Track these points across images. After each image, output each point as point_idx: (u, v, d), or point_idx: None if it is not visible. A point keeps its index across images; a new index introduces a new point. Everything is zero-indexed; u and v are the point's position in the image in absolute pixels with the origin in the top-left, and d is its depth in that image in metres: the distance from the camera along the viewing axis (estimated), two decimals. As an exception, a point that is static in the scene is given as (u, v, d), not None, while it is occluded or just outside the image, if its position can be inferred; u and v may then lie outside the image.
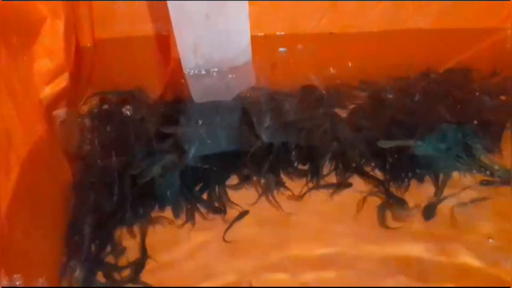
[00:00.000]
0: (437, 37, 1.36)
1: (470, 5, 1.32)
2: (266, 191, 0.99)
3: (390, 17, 1.34)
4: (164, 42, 1.23)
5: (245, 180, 1.01)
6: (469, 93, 1.20)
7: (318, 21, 1.34)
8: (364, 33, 1.36)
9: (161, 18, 1.13)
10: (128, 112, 1.12)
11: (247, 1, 1.05)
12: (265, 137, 1.05)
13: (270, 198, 0.98)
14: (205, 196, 0.99)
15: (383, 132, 1.08)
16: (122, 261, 0.89)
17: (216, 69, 1.19)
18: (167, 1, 0.98)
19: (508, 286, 0.86)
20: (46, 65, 1.02)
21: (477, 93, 1.19)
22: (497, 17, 1.38)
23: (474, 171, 1.03)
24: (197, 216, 0.96)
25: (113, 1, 1.22)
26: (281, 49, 1.32)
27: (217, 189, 0.99)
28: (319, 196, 0.99)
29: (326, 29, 1.35)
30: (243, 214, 0.96)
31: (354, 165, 1.02)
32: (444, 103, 1.16)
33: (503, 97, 1.18)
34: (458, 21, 1.36)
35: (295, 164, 1.04)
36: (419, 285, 0.86)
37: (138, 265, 0.88)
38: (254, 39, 1.21)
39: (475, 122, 1.11)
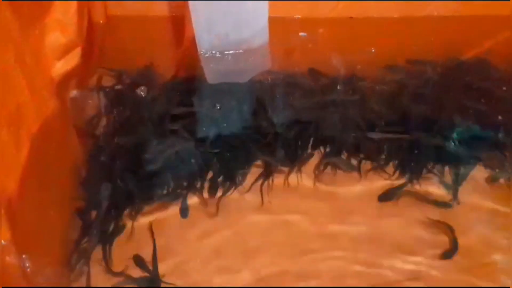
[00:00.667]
0: (459, 24, 1.32)
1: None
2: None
3: (411, 3, 1.29)
4: (179, 22, 1.20)
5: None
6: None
7: (336, 5, 1.29)
8: (384, 18, 1.32)
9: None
10: (142, 93, 1.09)
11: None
12: (278, 123, 1.03)
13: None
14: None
15: (399, 121, 1.05)
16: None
17: (231, 51, 1.16)
18: (184, -23, 0.95)
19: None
20: (58, 39, 0.99)
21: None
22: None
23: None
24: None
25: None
26: (301, 33, 1.28)
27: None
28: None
29: (345, 13, 1.31)
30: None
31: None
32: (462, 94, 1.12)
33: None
34: (479, 8, 1.31)
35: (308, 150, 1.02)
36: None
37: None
38: (271, 20, 1.18)
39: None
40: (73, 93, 1.08)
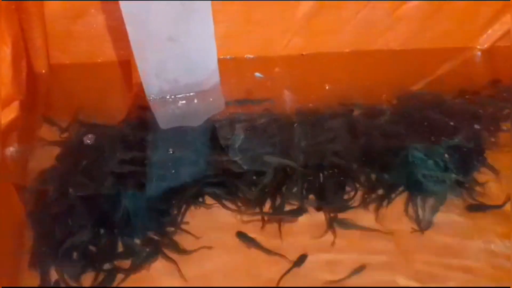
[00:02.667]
0: (408, 57, 1.35)
1: (440, 25, 1.32)
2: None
3: (361, 38, 1.32)
4: (126, 67, 1.16)
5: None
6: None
7: (288, 43, 1.30)
8: (336, 53, 1.33)
9: (122, 42, 1.06)
10: (89, 141, 1.04)
11: (211, 22, 0.99)
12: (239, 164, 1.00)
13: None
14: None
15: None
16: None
17: (182, 94, 1.13)
18: (126, 24, 0.92)
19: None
20: (-7, 94, 0.93)
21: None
22: (466, 36, 1.38)
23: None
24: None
25: (71, 25, 1.14)
26: (257, 74, 1.27)
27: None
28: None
29: (296, 51, 1.32)
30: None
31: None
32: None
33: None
34: (428, 41, 1.35)
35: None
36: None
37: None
38: (225, 62, 1.17)
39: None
40: (14, 148, 1.01)
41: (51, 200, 0.93)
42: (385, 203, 0.97)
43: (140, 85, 1.10)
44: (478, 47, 1.41)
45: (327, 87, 1.26)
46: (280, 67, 1.30)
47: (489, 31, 1.38)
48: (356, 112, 1.17)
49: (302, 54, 1.33)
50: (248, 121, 1.11)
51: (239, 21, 1.21)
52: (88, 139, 1.02)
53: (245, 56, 1.31)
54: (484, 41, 1.40)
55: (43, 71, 1.16)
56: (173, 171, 1.00)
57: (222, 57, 1.24)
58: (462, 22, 1.33)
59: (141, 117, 1.11)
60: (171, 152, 1.03)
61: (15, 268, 0.84)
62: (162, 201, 0.95)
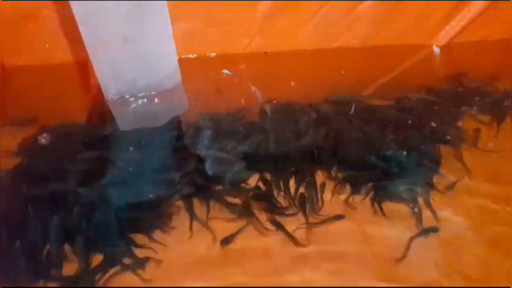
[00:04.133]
0: (368, 55, 1.38)
1: (397, 22, 1.34)
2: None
3: (322, 36, 1.33)
4: (82, 67, 1.14)
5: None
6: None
7: (250, 41, 1.30)
8: (298, 51, 1.35)
9: (78, 42, 1.04)
10: (43, 141, 1.01)
11: (169, 22, 0.98)
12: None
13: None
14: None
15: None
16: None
17: (142, 94, 1.11)
18: (79, 25, 0.90)
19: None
20: None
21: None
22: (424, 34, 1.42)
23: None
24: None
25: (23, 26, 1.11)
26: (224, 71, 1.27)
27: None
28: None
29: (259, 49, 1.32)
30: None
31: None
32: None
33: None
34: (387, 39, 1.38)
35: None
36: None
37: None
38: (185, 61, 1.17)
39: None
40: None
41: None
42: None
43: (98, 85, 1.08)
44: (436, 44, 1.45)
45: (292, 84, 1.28)
46: (245, 64, 1.31)
47: (446, 28, 1.42)
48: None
49: (265, 52, 1.34)
50: (214, 120, 1.10)
51: (199, 20, 1.21)
52: (43, 139, 1.00)
53: (208, 54, 1.30)
54: (442, 38, 1.44)
55: (-4, 72, 1.13)
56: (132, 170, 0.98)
57: (184, 56, 1.25)
58: (419, 20, 1.36)
59: (100, 118, 1.09)
60: (130, 150, 1.02)
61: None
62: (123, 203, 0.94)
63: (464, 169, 1.05)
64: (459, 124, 1.18)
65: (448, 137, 1.13)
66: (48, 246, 0.86)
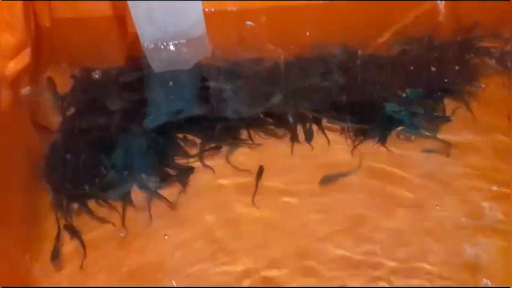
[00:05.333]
0: (378, 7, 1.49)
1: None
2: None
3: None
4: (121, 19, 1.30)
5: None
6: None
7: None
8: (310, 4, 1.47)
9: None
10: (97, 76, 1.19)
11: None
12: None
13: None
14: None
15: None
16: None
17: (172, 42, 1.27)
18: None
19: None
20: (8, 40, 1.07)
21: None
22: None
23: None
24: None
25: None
26: (248, 22, 1.41)
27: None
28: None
29: (275, 4, 1.45)
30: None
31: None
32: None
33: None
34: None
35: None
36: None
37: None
38: (208, 14, 1.30)
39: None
40: (27, 90, 1.16)
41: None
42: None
43: (134, 34, 1.24)
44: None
45: (306, 35, 1.41)
46: (264, 17, 1.43)
47: (450, -20, 1.51)
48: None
49: (282, 6, 1.47)
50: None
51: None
52: (96, 74, 1.18)
53: (229, 9, 1.45)
54: (446, -9, 1.53)
55: (47, 24, 1.30)
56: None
57: (208, 10, 1.40)
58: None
59: (137, 62, 1.26)
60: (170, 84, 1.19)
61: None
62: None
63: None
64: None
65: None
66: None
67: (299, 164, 1.09)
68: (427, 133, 1.14)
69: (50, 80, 1.19)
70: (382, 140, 1.12)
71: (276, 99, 1.17)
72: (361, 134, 1.14)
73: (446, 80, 1.26)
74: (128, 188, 1.02)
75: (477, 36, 1.42)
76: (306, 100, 1.19)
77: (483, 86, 1.25)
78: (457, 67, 1.30)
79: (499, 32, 1.43)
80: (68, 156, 1.06)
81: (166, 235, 0.97)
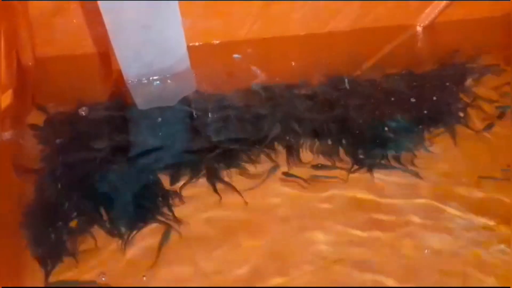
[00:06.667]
0: (357, 37, 1.52)
1: (382, 4, 1.49)
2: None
3: (313, 21, 1.48)
4: (105, 56, 1.30)
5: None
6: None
7: (249, 29, 1.45)
8: (293, 36, 1.50)
9: (100, 35, 1.20)
10: (83, 113, 1.18)
11: (178, 12, 1.14)
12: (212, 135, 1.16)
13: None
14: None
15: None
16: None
17: (156, 77, 1.27)
18: (103, 15, 1.06)
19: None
20: (-10, 83, 1.06)
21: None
22: (407, 15, 1.56)
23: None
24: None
25: (53, 21, 1.28)
26: (235, 55, 1.43)
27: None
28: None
29: (259, 35, 1.47)
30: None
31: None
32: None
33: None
34: (373, 21, 1.52)
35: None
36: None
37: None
38: (193, 48, 1.32)
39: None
40: (9, 133, 1.14)
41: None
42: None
43: (118, 71, 1.24)
44: (419, 24, 1.59)
45: (290, 66, 1.43)
46: (247, 50, 1.46)
47: (428, 9, 1.57)
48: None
49: (264, 38, 1.49)
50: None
51: (203, 11, 1.36)
52: (83, 111, 1.17)
53: (213, 42, 1.46)
54: (424, 18, 1.58)
55: (30, 63, 1.29)
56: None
57: (192, 44, 1.41)
58: (402, 1, 1.50)
59: (121, 99, 1.25)
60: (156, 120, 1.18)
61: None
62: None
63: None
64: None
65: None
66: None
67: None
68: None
69: (33, 125, 1.17)
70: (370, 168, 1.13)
71: (274, 131, 1.18)
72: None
73: (425, 111, 1.28)
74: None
75: (456, 63, 1.46)
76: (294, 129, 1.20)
77: (462, 115, 1.27)
78: (436, 97, 1.33)
79: (478, 55, 1.49)
80: (50, 205, 1.02)
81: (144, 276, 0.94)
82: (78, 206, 1.01)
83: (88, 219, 1.00)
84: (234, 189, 1.06)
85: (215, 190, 1.06)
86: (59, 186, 1.04)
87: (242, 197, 1.05)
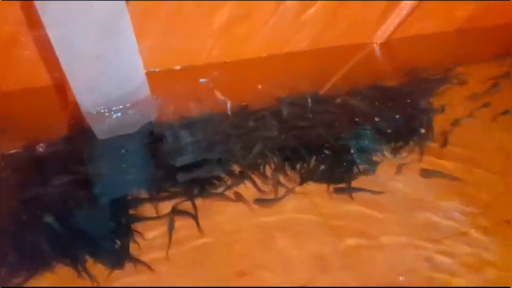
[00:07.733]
0: (317, 57, 1.55)
1: (340, 24, 1.52)
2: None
3: (273, 43, 1.49)
4: (61, 88, 1.27)
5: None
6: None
7: (209, 53, 1.45)
8: (255, 59, 1.51)
9: (55, 66, 1.17)
10: (41, 149, 1.14)
11: (134, 39, 1.13)
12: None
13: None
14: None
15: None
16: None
17: (115, 107, 1.24)
18: (55, 47, 1.03)
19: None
20: None
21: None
22: (364, 33, 1.60)
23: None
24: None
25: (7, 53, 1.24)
26: (201, 80, 1.42)
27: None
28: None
29: (220, 59, 1.47)
30: None
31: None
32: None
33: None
34: (332, 40, 1.56)
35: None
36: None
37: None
38: (152, 75, 1.30)
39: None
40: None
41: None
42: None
43: (75, 103, 1.20)
44: (376, 41, 1.63)
45: (259, 87, 1.44)
46: (209, 74, 1.45)
47: (383, 27, 1.61)
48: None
49: (226, 62, 1.49)
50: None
51: (161, 36, 1.35)
52: (40, 148, 1.13)
53: (174, 67, 1.45)
54: (380, 36, 1.63)
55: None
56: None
57: (151, 70, 1.39)
58: (358, 21, 1.54)
59: (79, 130, 1.21)
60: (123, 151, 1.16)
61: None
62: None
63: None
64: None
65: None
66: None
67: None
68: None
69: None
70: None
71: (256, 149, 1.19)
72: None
73: (388, 130, 1.30)
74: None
75: (413, 79, 1.50)
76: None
77: (423, 131, 1.30)
78: (399, 114, 1.35)
79: (435, 69, 1.53)
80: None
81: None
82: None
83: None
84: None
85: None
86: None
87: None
